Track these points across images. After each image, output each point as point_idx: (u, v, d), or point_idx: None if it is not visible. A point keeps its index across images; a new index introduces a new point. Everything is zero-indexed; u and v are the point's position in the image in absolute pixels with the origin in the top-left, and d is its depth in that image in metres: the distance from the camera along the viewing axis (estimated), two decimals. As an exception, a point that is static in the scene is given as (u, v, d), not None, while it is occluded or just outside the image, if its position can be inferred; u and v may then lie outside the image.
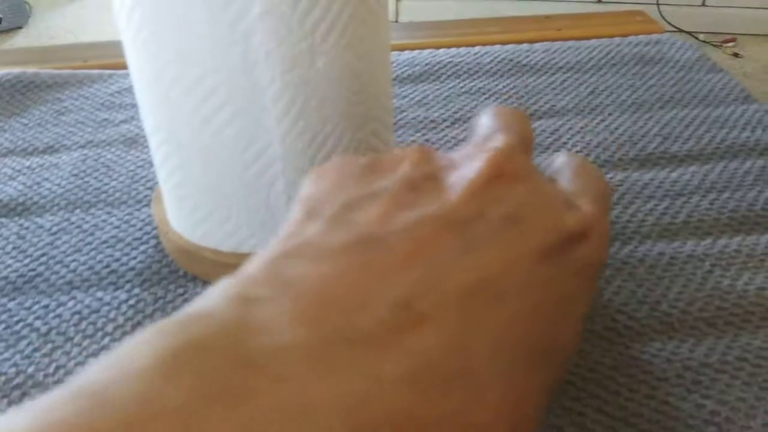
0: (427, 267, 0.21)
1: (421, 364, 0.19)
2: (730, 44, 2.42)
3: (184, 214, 0.36)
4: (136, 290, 0.37)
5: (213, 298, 0.20)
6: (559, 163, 0.32)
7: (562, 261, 0.24)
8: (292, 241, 0.22)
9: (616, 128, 0.50)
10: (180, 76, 0.30)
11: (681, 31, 2.41)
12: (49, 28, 2.58)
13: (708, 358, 0.33)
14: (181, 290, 0.37)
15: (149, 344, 0.18)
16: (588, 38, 0.64)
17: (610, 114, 0.52)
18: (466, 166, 0.25)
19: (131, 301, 0.36)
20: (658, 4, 2.41)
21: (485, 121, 0.31)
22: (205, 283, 0.37)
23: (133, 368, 0.17)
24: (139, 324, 0.35)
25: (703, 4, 2.45)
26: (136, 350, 0.18)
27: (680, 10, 2.44)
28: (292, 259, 0.21)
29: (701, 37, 2.44)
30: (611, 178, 0.45)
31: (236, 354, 0.17)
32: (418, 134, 0.50)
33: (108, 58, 0.63)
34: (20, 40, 2.49)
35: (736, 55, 2.36)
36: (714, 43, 2.42)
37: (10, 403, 0.31)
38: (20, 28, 2.57)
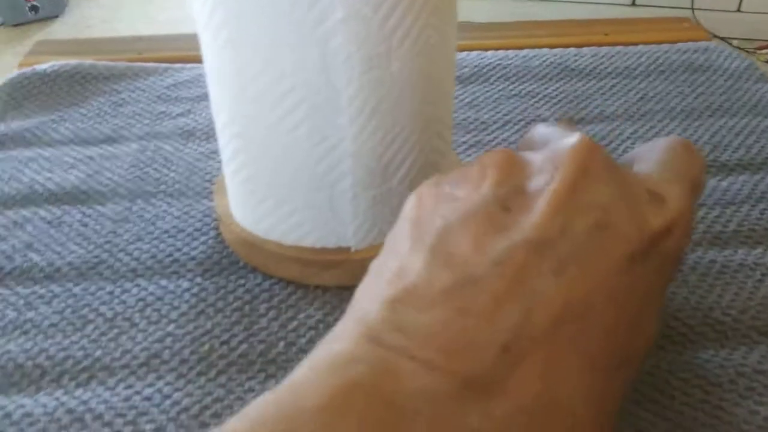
0: (520, 302, 0.22)
1: (523, 402, 0.21)
2: (764, 51, 2.39)
3: (249, 207, 0.37)
4: (198, 279, 0.38)
5: (349, 340, 0.22)
6: (648, 146, 0.32)
7: (645, 262, 0.24)
8: (402, 282, 0.23)
9: (667, 135, 0.51)
10: (259, 74, 0.31)
11: (715, 37, 2.39)
12: (86, 17, 2.62)
13: (761, 365, 0.33)
14: (242, 281, 0.38)
15: (319, 383, 0.20)
16: (635, 44, 0.64)
17: (659, 121, 0.52)
18: (549, 171, 0.25)
19: (194, 290, 0.38)
20: (693, 9, 2.39)
21: (546, 129, 0.32)
22: (265, 274, 0.38)
23: (308, 406, 0.19)
24: (201, 312, 0.36)
25: (738, 10, 2.43)
26: (309, 388, 0.20)
27: (714, 15, 2.41)
28: (406, 306, 0.22)
29: (735, 43, 2.41)
30: (662, 184, 0.45)
31: (386, 396, 0.20)
32: (469, 135, 0.51)
33: (162, 51, 0.64)
34: (57, 29, 2.53)
35: (764, 74, 2.33)
36: (748, 50, 2.39)
37: (77, 386, 0.33)
38: (57, 17, 2.61)
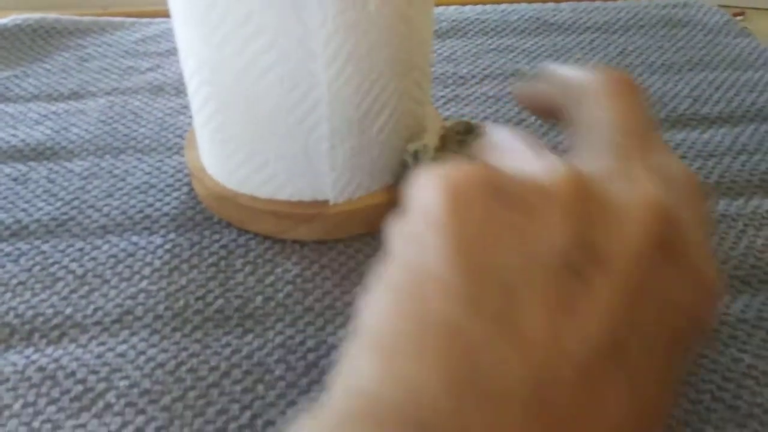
0: (596, 420, 0.18)
1: None
2: (738, 18, 2.40)
3: (221, 159, 0.36)
4: (171, 235, 0.37)
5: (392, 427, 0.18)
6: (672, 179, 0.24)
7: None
8: (461, 370, 0.18)
9: (647, 89, 0.50)
10: (226, 14, 0.30)
11: (690, 1, 2.38)
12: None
13: (744, 314, 0.33)
14: (216, 236, 0.37)
15: None
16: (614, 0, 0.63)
17: (639, 75, 0.52)
18: (623, 231, 0.20)
19: (167, 246, 0.36)
20: (668, -26, 2.38)
21: (516, 144, 0.25)
22: (240, 229, 0.37)
23: None
24: (175, 268, 0.35)
25: (714, -25, 2.42)
26: None
27: (690, -19, 2.41)
28: (471, 402, 0.18)
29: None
30: (642, 137, 0.45)
31: None
32: (447, 89, 0.50)
33: (128, 6, 0.62)
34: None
35: (744, 29, 2.33)
36: (723, 15, 2.39)
37: (48, 344, 0.31)
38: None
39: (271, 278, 0.34)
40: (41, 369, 0.30)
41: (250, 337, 0.31)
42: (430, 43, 0.36)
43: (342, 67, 0.30)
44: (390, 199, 0.37)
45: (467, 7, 0.60)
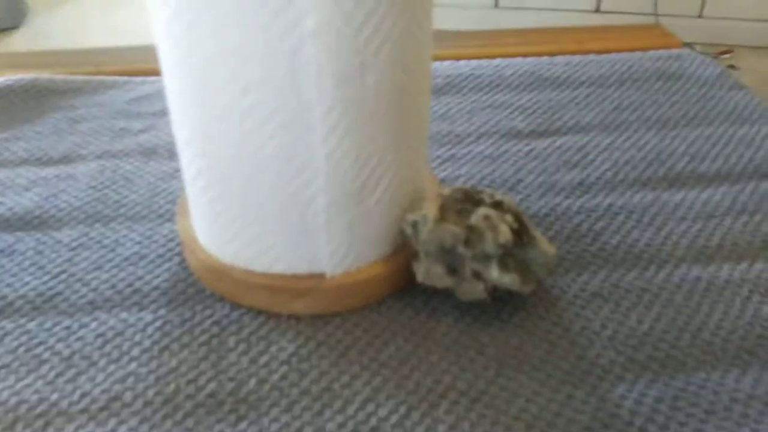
0: None
1: None
2: (726, 56, 2.42)
3: (215, 231, 0.35)
4: (162, 311, 0.36)
5: None
6: None
7: None
8: None
9: (643, 146, 0.50)
10: (224, 87, 0.29)
11: (678, 41, 2.41)
12: (47, 28, 2.56)
13: (754, 390, 0.32)
14: (209, 311, 0.36)
15: None
16: (608, 52, 0.63)
17: (635, 131, 0.51)
18: None
19: (157, 323, 0.35)
20: (656, 15, 2.42)
21: None
22: (233, 303, 0.36)
23: None
24: (166, 348, 0.34)
25: (700, 16, 2.46)
26: None
27: (677, 21, 2.44)
28: None
29: (698, 48, 2.45)
30: (642, 198, 0.44)
31: None
32: (443, 149, 0.49)
33: (121, 64, 0.61)
34: (17, 40, 2.46)
35: (732, 67, 2.36)
36: (710, 55, 2.42)
37: None
38: (16, 28, 2.54)
39: (266, 358, 0.33)
40: (24, 463, 0.29)
41: (244, 424, 0.30)
42: (428, 111, 0.35)
43: (340, 140, 0.30)
44: (387, 271, 0.36)
45: (461, 62, 0.60)
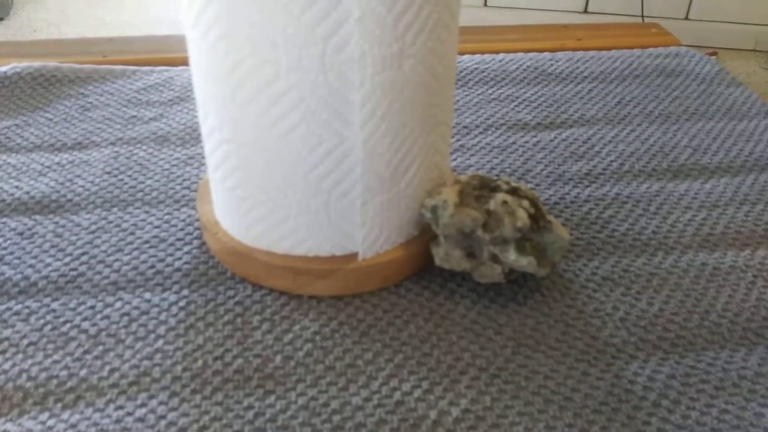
0: None
1: None
2: (713, 58, 2.46)
3: (238, 215, 0.36)
4: (185, 292, 0.37)
5: None
6: None
7: None
8: None
9: (647, 138, 0.51)
10: (252, 74, 0.30)
11: (664, 43, 2.44)
12: (32, 20, 2.54)
13: (761, 368, 0.33)
14: (231, 292, 0.37)
15: None
16: (608, 49, 0.65)
17: (639, 124, 0.53)
18: None
19: (181, 303, 0.36)
20: (642, 16, 2.44)
21: None
22: (255, 285, 0.37)
23: None
24: (191, 327, 0.35)
25: (686, 18, 2.49)
26: None
27: (663, 23, 2.48)
28: None
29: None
30: (647, 188, 0.46)
31: None
32: (452, 140, 0.50)
33: (128, 54, 0.62)
34: (2, 32, 2.44)
35: (735, 78, 2.39)
36: (696, 56, 2.45)
37: (64, 408, 0.31)
38: (2, 20, 2.52)
39: (290, 336, 0.34)
40: (58, 435, 0.29)
41: (272, 398, 0.31)
42: (453, 97, 0.36)
43: (377, 126, 0.31)
44: (407, 254, 0.37)
45: (466, 57, 0.61)
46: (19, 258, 0.39)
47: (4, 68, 0.56)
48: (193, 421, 0.30)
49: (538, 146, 0.50)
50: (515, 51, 0.63)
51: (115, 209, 0.43)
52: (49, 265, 0.38)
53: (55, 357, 0.33)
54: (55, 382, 0.32)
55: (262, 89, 0.30)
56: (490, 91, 0.57)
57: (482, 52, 0.63)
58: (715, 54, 2.48)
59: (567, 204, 0.44)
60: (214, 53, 0.31)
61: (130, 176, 0.46)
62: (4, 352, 0.33)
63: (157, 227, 0.41)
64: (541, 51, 0.64)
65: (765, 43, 2.50)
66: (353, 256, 0.36)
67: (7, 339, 0.34)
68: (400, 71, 0.29)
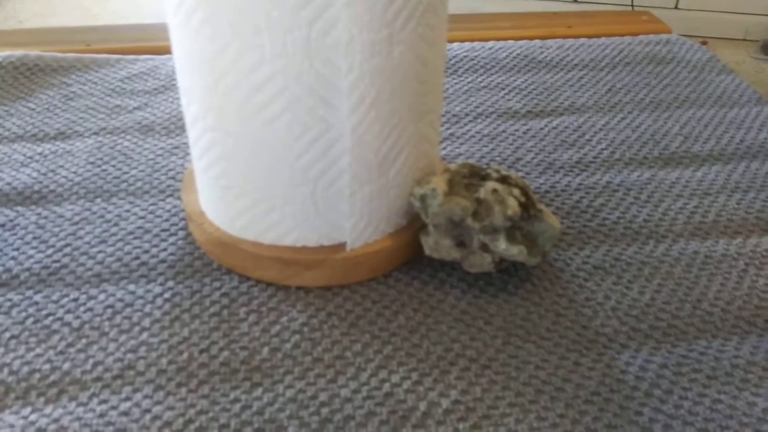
0: None
1: None
2: (702, 46, 2.46)
3: (223, 205, 0.35)
4: (170, 283, 0.36)
5: None
6: None
7: None
8: None
9: (638, 126, 0.51)
10: (236, 60, 0.29)
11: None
12: (17, 11, 2.50)
13: (754, 356, 0.33)
14: (217, 284, 0.36)
15: None
16: (598, 36, 0.64)
17: (630, 112, 0.52)
18: None
19: (166, 295, 0.35)
20: (632, 6, 2.44)
21: None
22: (242, 276, 0.36)
23: None
24: (176, 319, 0.34)
25: (676, 7, 2.49)
26: None
27: (653, 12, 2.47)
28: None
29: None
30: (638, 176, 0.45)
31: None
32: (442, 128, 0.50)
33: (112, 43, 0.61)
34: (-14, 23, 2.41)
35: (725, 66, 2.39)
36: (686, 46, 2.45)
37: (47, 402, 0.30)
38: (-14, 10, 2.48)
39: (277, 327, 0.34)
40: (41, 430, 0.29)
41: (259, 391, 0.30)
42: (442, 87, 0.36)
43: (366, 113, 0.30)
44: (396, 244, 0.36)
45: (455, 44, 0.61)
46: (0, 250, 0.38)
47: (-15, 57, 0.55)
48: (179, 415, 0.29)
49: (529, 134, 0.49)
50: (505, 39, 0.63)
51: (98, 200, 0.42)
52: (31, 257, 0.38)
53: (38, 350, 0.32)
54: (37, 375, 0.31)
55: (246, 76, 0.30)
56: (480, 79, 0.56)
57: (472, 40, 0.62)
58: (705, 43, 2.48)
59: (558, 192, 0.43)
60: (197, 39, 0.30)
61: (114, 166, 0.45)
62: (-16, 346, 0.32)
63: (141, 218, 0.40)
64: (531, 39, 0.63)
65: (755, 32, 2.50)
66: (341, 247, 0.35)
67: (-13, 333, 0.33)
68: (389, 57, 0.29)
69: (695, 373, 0.32)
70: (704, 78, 0.57)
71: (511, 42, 0.62)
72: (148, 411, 0.29)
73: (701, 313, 0.35)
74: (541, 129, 0.50)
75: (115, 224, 0.40)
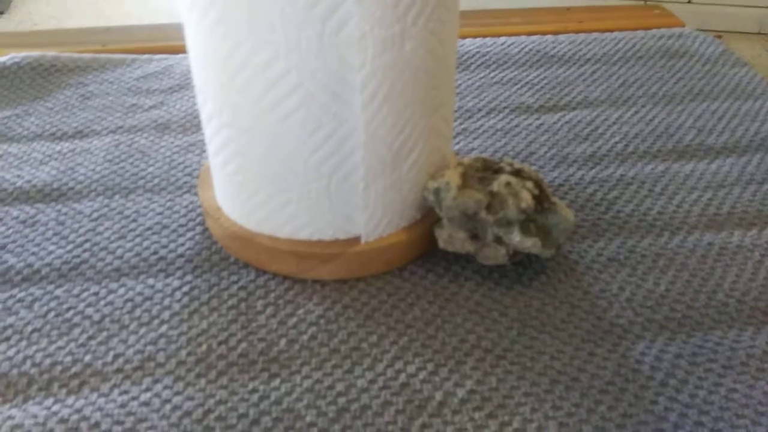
0: None
1: None
2: (715, 39, 2.44)
3: (239, 200, 0.36)
4: (188, 277, 0.36)
5: None
6: None
7: None
8: None
9: (651, 120, 0.51)
10: (251, 56, 0.30)
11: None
12: (32, 13, 2.53)
13: (769, 347, 0.33)
14: (234, 277, 0.36)
15: None
16: (610, 31, 0.64)
17: (643, 106, 0.52)
18: None
19: (184, 288, 0.36)
20: (645, 0, 2.43)
21: None
22: (259, 269, 0.37)
23: None
24: (195, 312, 0.34)
25: (689, 2, 2.48)
26: None
27: (667, 7, 2.46)
28: None
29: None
30: (652, 169, 0.45)
31: None
32: (455, 123, 0.50)
33: (126, 43, 0.61)
34: (2, 25, 2.44)
35: (739, 59, 2.38)
36: (699, 41, 2.43)
37: (69, 393, 0.30)
38: (2, 13, 2.51)
39: (294, 320, 0.34)
40: (63, 421, 0.29)
41: (277, 381, 0.31)
42: (454, 79, 0.36)
43: (378, 108, 0.30)
44: (410, 237, 0.36)
45: (467, 40, 0.61)
46: (21, 246, 0.38)
47: (3, 58, 0.56)
48: (198, 405, 0.30)
49: (542, 129, 0.49)
50: (517, 34, 0.63)
51: (117, 196, 0.42)
52: (52, 252, 0.38)
53: (60, 343, 0.33)
54: (59, 368, 0.32)
55: (261, 72, 0.30)
56: (492, 75, 0.56)
57: (484, 36, 0.62)
58: (719, 38, 2.46)
59: (571, 186, 0.44)
60: (212, 36, 0.31)
61: (131, 164, 0.45)
62: (8, 339, 0.33)
63: (159, 214, 0.41)
64: (543, 34, 0.63)
65: (769, 26, 2.47)
66: (356, 240, 0.36)
67: (11, 326, 0.34)
68: (401, 53, 0.29)
69: (711, 363, 0.32)
70: (718, 71, 0.57)
71: (523, 37, 0.62)
72: (168, 401, 0.30)
73: (716, 304, 0.35)
74: (554, 123, 0.50)
75: (134, 220, 0.40)
